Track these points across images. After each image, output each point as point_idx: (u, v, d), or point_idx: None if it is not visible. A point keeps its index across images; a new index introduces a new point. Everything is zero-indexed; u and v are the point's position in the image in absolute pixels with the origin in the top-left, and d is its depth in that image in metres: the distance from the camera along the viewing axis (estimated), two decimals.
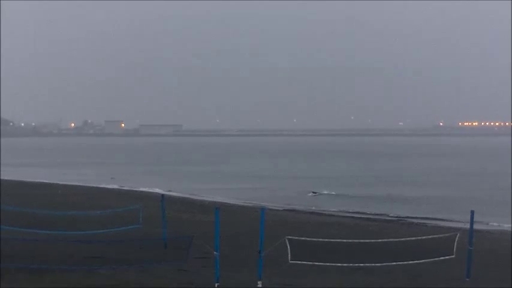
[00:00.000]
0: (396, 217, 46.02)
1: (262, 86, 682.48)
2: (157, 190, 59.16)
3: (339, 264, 20.80)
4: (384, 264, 21.35)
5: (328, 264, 20.72)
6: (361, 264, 21.18)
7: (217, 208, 18.87)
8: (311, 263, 20.34)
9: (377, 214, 47.81)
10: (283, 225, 34.90)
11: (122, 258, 22.04)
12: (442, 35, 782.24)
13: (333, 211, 49.48)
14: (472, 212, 20.76)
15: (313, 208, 51.27)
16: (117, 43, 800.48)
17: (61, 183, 68.32)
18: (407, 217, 46.06)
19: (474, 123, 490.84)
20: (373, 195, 63.51)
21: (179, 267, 20.36)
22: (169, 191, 62.52)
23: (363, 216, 46.15)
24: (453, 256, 20.90)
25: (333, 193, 63.46)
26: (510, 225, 41.21)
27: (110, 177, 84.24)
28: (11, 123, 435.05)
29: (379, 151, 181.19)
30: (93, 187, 64.95)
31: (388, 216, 46.72)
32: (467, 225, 21.45)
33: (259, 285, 17.81)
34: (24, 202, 40.28)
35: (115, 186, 67.85)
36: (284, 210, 48.79)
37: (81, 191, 57.06)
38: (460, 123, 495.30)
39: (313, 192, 63.40)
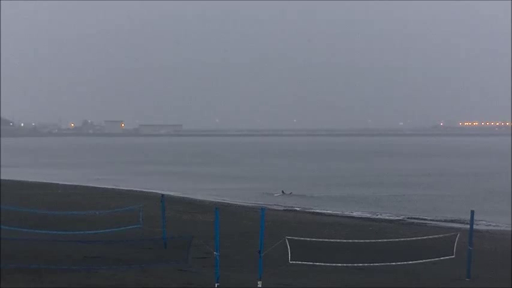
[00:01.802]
0: (396, 217, 45.98)
1: (262, 86, 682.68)
2: (157, 190, 59.10)
3: (339, 264, 20.80)
4: (384, 264, 21.35)
5: (328, 264, 20.72)
6: (361, 264, 21.19)
7: (217, 208, 18.87)
8: (311, 263, 20.34)
9: (377, 214, 47.79)
10: (283, 225, 34.90)
11: (122, 258, 22.03)
12: (442, 35, 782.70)
13: (333, 211, 49.46)
14: (472, 212, 20.77)
15: (314, 208, 51.28)
16: (118, 43, 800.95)
17: (61, 183, 68.32)
18: (408, 217, 46.04)
19: (474, 123, 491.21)
20: (372, 195, 63.47)
21: (179, 267, 20.35)
22: (170, 191, 62.49)
23: (362, 216, 46.13)
24: (453, 256, 20.91)
25: (300, 194, 63.10)
26: (510, 225, 41.20)
27: (96, 177, 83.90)
28: (11, 123, 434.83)
29: (379, 151, 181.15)
30: (93, 187, 64.91)
31: (388, 216, 46.68)
32: (467, 225, 21.47)
33: (259, 285, 17.81)
34: (24, 202, 40.30)
35: (115, 186, 67.80)
36: (284, 210, 48.77)
37: (81, 191, 57.04)
38: (460, 123, 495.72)
39: (282, 192, 62.93)
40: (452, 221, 42.96)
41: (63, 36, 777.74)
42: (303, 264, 20.09)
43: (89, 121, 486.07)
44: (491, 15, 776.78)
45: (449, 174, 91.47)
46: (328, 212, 48.92)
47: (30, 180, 73.31)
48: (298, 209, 50.49)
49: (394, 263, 21.36)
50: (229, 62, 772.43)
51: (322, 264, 20.62)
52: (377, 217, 45.58)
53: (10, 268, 18.73)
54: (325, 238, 25.42)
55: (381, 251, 25.59)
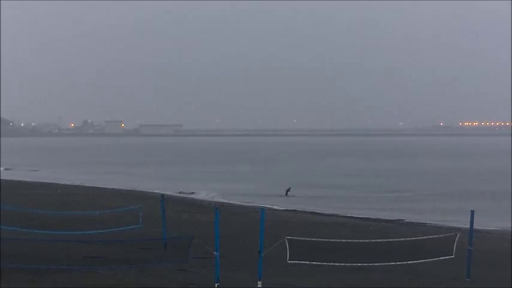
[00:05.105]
0: (396, 217, 45.94)
1: (262, 86, 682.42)
2: (157, 190, 59.10)
3: (339, 264, 20.81)
4: (384, 264, 21.36)
5: (328, 264, 20.72)
6: (361, 264, 21.20)
7: (217, 208, 18.88)
8: (309, 262, 20.35)
9: (377, 214, 47.73)
10: (283, 225, 34.90)
11: (122, 258, 22.03)
12: (442, 35, 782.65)
13: (333, 211, 49.42)
14: (472, 212, 20.76)
15: (314, 208, 51.24)
16: (118, 43, 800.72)
17: (61, 183, 68.32)
18: (407, 217, 45.99)
19: (474, 123, 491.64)
20: (372, 195, 63.50)
21: (179, 267, 20.36)
22: (170, 191, 62.48)
23: (363, 216, 46.07)
24: (453, 256, 20.92)
25: (300, 194, 62.93)
26: (510, 226, 41.17)
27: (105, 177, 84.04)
28: (11, 123, 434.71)
29: (379, 151, 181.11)
30: (93, 187, 64.89)
31: (388, 216, 46.62)
32: (467, 225, 21.46)
33: (259, 285, 17.81)
34: (24, 202, 40.32)
35: (115, 186, 67.77)
36: (284, 210, 48.75)
37: (81, 191, 57.04)
38: (460, 123, 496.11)
39: (287, 193, 62.57)
40: (452, 221, 42.90)
41: (63, 36, 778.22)
42: (303, 264, 20.09)
43: (89, 121, 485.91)
44: (491, 15, 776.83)
45: (449, 174, 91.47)
46: (328, 212, 48.86)
47: (30, 180, 73.33)
48: (298, 209, 50.44)
49: (394, 263, 21.37)
50: (230, 62, 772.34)
51: (322, 264, 20.63)
52: (377, 217, 45.52)
53: (10, 268, 18.73)
54: (325, 238, 25.41)
55: (381, 251, 25.59)
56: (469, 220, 20.76)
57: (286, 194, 61.67)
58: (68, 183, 68.83)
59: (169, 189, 64.93)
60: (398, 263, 21.35)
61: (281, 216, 41.53)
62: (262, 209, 19.03)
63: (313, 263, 20.43)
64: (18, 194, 48.90)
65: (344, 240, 25.58)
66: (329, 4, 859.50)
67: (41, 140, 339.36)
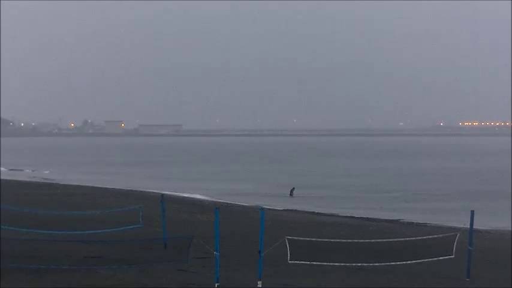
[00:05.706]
0: (396, 217, 45.93)
1: (262, 86, 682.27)
2: (157, 190, 59.07)
3: (339, 264, 20.81)
4: (384, 264, 21.37)
5: (328, 264, 20.73)
6: (361, 264, 21.20)
7: (217, 208, 18.89)
8: (310, 262, 20.35)
9: (377, 214, 47.73)
10: (283, 225, 34.90)
11: (122, 258, 22.04)
12: (442, 35, 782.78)
13: (333, 211, 49.41)
14: (472, 212, 20.76)
15: (314, 208, 51.23)
16: (117, 43, 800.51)
17: (61, 183, 68.31)
18: (407, 217, 45.97)
19: (474, 123, 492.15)
20: (372, 195, 63.49)
21: (179, 267, 20.36)
22: (170, 191, 62.45)
23: (363, 216, 46.07)
24: (453, 256, 20.93)
25: (301, 194, 62.87)
26: (510, 226, 41.16)
27: (109, 177, 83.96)
28: (11, 123, 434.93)
29: (379, 151, 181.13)
30: (93, 187, 64.86)
31: (388, 216, 46.61)
32: (467, 225, 21.47)
33: (259, 285, 17.82)
34: (24, 202, 40.30)
35: (115, 186, 67.75)
36: (284, 210, 48.74)
37: (81, 191, 57.02)
38: (460, 123, 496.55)
39: (292, 192, 62.41)
40: (452, 221, 42.87)
41: (63, 36, 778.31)
42: (303, 264, 20.10)
43: (89, 121, 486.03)
44: (491, 15, 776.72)
45: (449, 174, 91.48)
46: (328, 212, 48.84)
47: (30, 180, 73.32)
48: (298, 209, 50.42)
49: (394, 263, 21.37)
50: (230, 62, 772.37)
51: (322, 264, 20.64)
52: (377, 217, 45.49)
53: (10, 268, 18.74)
54: (325, 238, 25.43)
55: (381, 251, 25.60)
56: (469, 220, 20.77)
57: (290, 194, 61.63)
58: (68, 183, 68.81)
59: (169, 189, 64.89)
60: (398, 263, 21.36)
61: (281, 216, 41.51)
62: (262, 209, 19.04)
63: (313, 263, 20.43)
64: (18, 194, 48.88)
65: (344, 240, 25.59)
66: (329, 4, 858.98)
67: (41, 140, 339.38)
